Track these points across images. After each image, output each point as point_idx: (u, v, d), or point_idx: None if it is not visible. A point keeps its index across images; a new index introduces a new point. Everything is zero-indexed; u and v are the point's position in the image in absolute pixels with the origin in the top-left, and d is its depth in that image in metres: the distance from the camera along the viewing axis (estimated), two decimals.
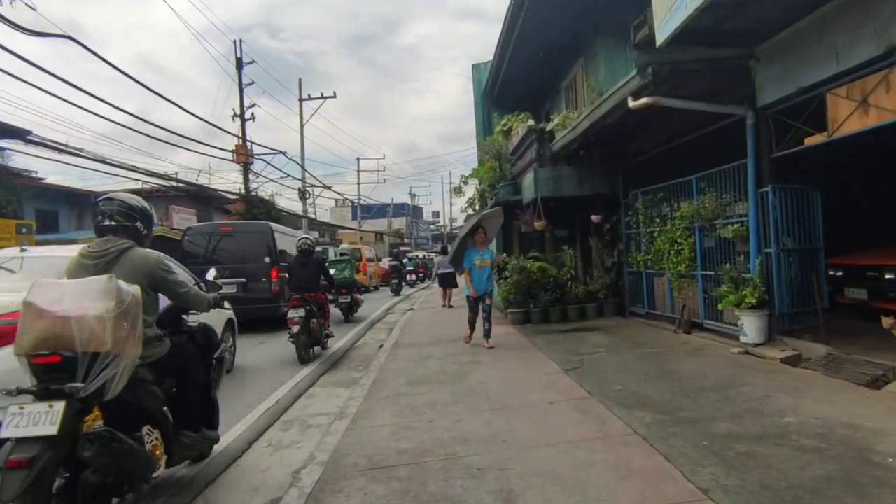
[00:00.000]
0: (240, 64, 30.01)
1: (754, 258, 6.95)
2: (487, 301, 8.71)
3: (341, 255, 19.03)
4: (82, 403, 2.82)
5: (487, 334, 8.67)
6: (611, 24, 10.13)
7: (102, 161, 18.54)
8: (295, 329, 8.32)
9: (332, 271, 10.16)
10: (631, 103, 7.09)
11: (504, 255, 10.58)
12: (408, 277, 25.43)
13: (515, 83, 14.76)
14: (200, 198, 34.49)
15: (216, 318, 7.56)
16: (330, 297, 10.58)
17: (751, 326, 6.76)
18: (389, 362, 8.06)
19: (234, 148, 29.96)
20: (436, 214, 70.85)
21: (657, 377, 5.84)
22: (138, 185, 28.92)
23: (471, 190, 16.07)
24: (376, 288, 28.10)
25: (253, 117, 30.57)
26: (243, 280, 11.81)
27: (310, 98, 39.40)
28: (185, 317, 4.07)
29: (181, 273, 4.38)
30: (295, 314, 8.36)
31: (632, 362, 6.68)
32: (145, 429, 3.28)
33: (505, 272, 11.32)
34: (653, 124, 8.92)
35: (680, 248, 8.69)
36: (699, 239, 8.37)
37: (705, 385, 5.39)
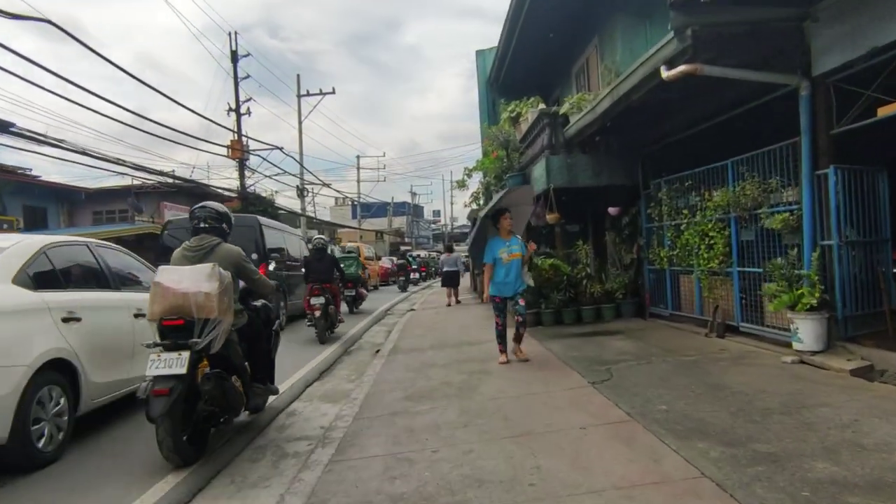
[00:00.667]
0: (235, 57, 28.98)
1: (809, 252, 5.93)
2: (521, 302, 6.83)
3: (348, 252, 19.47)
4: (198, 354, 3.95)
5: (519, 339, 7.01)
6: None
7: (83, 153, 17.53)
8: (317, 314, 9.75)
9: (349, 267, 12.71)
10: (665, 73, 6.06)
11: (534, 244, 7.62)
12: (412, 275, 27.06)
13: (522, 69, 13.75)
14: (196, 195, 33.51)
15: None
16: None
17: (807, 331, 5.73)
18: (386, 371, 7.05)
19: (229, 143, 29.03)
20: (437, 213, 69.88)
21: (706, 393, 4.82)
22: (129, 181, 28.04)
23: (475, 184, 15.06)
24: (375, 287, 27.08)
25: (249, 112, 29.62)
26: None
27: (308, 94, 38.44)
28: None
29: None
30: (317, 301, 9.80)
31: (669, 373, 5.65)
32: (233, 377, 4.38)
33: None
34: (679, 104, 7.90)
35: (712, 241, 7.67)
36: (735, 231, 7.35)
37: (770, 405, 4.36)
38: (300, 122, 37.99)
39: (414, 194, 57.36)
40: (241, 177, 28.87)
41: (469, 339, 8.98)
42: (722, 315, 7.56)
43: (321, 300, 9.79)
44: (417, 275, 29.10)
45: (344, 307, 12.90)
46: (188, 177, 29.87)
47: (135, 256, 6.33)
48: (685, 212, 8.33)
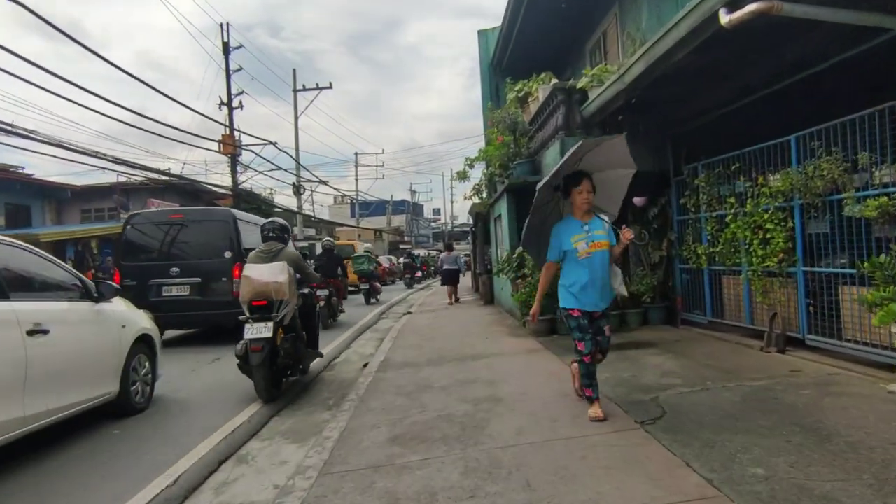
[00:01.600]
0: (226, 48, 27.60)
1: None
2: (606, 331, 4.46)
3: (364, 251, 20.96)
4: (276, 325, 5.58)
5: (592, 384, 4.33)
6: None
7: (59, 145, 16.16)
8: (321, 303, 10.14)
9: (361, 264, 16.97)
10: (725, 18, 4.62)
11: (630, 232, 4.31)
12: (416, 274, 28.40)
13: (529, 48, 12.31)
14: (187, 192, 32.08)
15: (110, 337, 5.12)
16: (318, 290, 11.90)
17: None
18: (371, 395, 5.61)
19: (220, 138, 27.66)
20: (436, 212, 68.39)
21: (810, 445, 3.39)
22: (123, 179, 26.63)
23: (477, 176, 13.62)
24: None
25: (241, 106, 28.23)
26: (198, 280, 9.35)
27: (304, 89, 37.22)
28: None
29: None
30: (322, 293, 10.66)
31: (740, 408, 4.22)
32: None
33: (524, 270, 8.89)
34: (724, 70, 6.49)
35: (769, 235, 6.23)
36: (800, 222, 5.93)
37: None
38: (296, 118, 36.77)
39: (414, 192, 55.92)
40: (234, 173, 27.52)
41: (473, 352, 7.55)
42: (781, 325, 6.13)
43: (325, 292, 11.11)
44: (420, 273, 29.78)
45: (361, 299, 17.12)
46: (179, 173, 28.50)
47: (48, 257, 4.89)
48: (730, 200, 6.90)
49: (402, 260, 31.80)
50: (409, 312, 14.02)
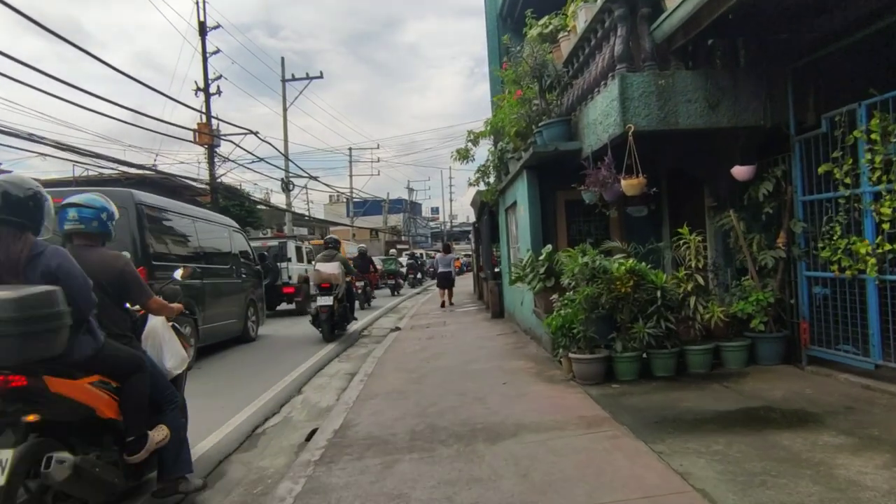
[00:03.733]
0: (203, 28, 24.54)
1: None
2: None
3: (389, 254, 25.51)
4: (334, 298, 9.34)
5: None
6: None
7: (29, 138, 13.25)
8: (359, 291, 14.20)
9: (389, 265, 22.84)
10: None
11: None
12: (418, 275, 28.98)
13: None
14: (166, 187, 28.89)
15: None
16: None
17: None
18: None
19: (195, 127, 24.60)
20: (434, 210, 65.10)
21: None
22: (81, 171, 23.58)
23: (483, 155, 10.51)
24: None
25: (219, 92, 25.15)
26: None
27: (294, 79, 34.24)
28: None
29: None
30: (360, 283, 14.48)
31: None
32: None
33: (560, 279, 5.77)
34: None
35: None
36: None
37: None
38: (285, 109, 33.80)
39: (411, 190, 52.70)
40: (211, 165, 24.36)
41: (487, 418, 4.40)
42: None
43: (362, 283, 14.69)
44: (420, 274, 29.60)
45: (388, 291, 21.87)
46: (152, 167, 25.34)
47: None
48: None
49: (406, 261, 30.69)
50: (398, 328, 10.89)
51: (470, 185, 10.36)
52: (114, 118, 55.47)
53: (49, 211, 2.78)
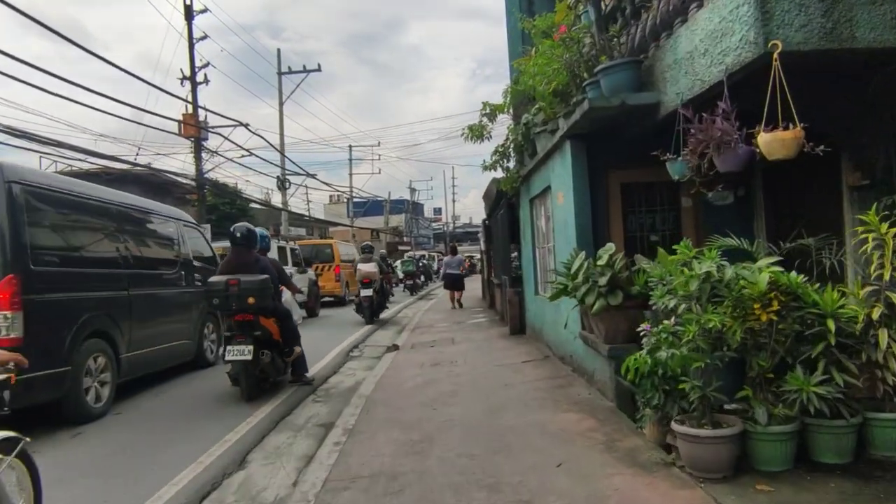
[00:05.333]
0: (189, 12, 22.37)
1: None
2: None
3: (407, 257, 24.79)
4: (374, 290, 11.74)
5: None
6: None
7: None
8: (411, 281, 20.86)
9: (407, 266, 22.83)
10: None
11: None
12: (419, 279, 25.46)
13: None
14: (152, 184, 26.75)
15: None
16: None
17: None
18: None
19: (181, 118, 22.50)
20: (437, 211, 62.73)
21: None
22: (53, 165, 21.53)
23: (501, 133, 8.36)
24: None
25: (206, 80, 23.04)
26: None
27: (290, 71, 32.16)
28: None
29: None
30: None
31: None
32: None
33: (653, 295, 3.58)
34: None
35: None
36: None
37: None
38: (281, 104, 31.75)
39: (413, 190, 50.40)
40: (197, 159, 22.22)
41: None
42: None
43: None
44: (423, 277, 27.19)
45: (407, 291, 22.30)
46: (133, 159, 23.18)
47: None
48: None
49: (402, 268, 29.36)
50: (395, 346, 8.71)
51: (485, 169, 8.15)
52: (94, 109, 53.21)
53: (257, 238, 6.08)
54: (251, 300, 5.34)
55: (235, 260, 5.74)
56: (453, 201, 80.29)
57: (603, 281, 4.29)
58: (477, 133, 7.91)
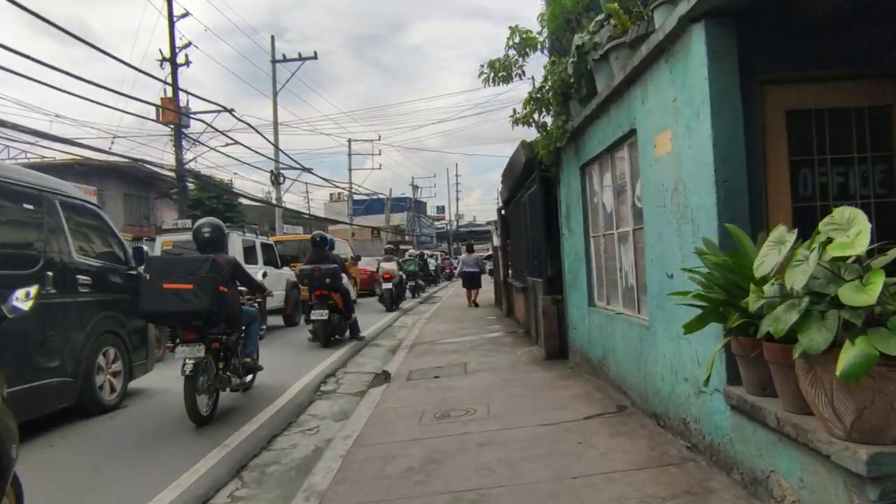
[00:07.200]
0: None
1: None
2: None
3: (409, 255, 22.21)
4: (393, 284, 14.23)
5: None
6: None
7: None
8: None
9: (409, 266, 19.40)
10: None
11: None
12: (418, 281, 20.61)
13: None
14: (134, 176, 24.23)
15: None
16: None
17: None
18: None
19: (159, 102, 20.01)
20: (440, 209, 59.88)
21: None
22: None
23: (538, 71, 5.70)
24: (355, 301, 17.72)
25: (187, 62, 20.54)
26: None
27: (285, 59, 29.84)
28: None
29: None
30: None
31: None
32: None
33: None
34: None
35: None
36: None
37: None
38: (275, 93, 29.46)
39: (416, 188, 47.68)
40: (178, 148, 19.69)
41: None
42: None
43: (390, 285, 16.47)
44: (421, 280, 21.50)
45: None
46: (109, 148, 20.61)
47: None
48: None
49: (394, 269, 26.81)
50: (386, 375, 6.09)
51: (515, 123, 5.50)
52: (74, 95, 50.91)
53: (328, 240, 9.71)
54: (327, 281, 8.21)
55: (315, 255, 8.79)
56: (457, 199, 77.66)
57: (855, 299, 1.69)
58: (502, 70, 5.31)
